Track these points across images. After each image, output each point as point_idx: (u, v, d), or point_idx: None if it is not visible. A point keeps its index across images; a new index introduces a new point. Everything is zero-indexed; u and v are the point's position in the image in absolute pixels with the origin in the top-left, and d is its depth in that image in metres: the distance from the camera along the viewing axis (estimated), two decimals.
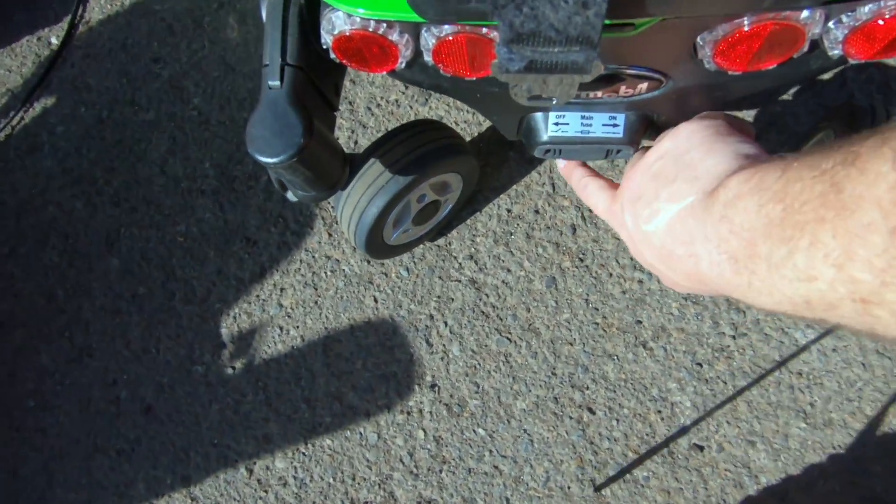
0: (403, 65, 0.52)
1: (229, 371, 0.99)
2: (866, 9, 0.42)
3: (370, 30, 0.48)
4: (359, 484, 0.93)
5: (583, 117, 0.60)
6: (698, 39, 0.45)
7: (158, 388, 0.99)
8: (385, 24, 0.48)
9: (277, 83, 0.52)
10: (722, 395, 0.88)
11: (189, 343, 1.00)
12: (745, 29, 0.43)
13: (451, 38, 0.46)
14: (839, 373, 0.87)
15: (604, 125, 0.60)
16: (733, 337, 0.90)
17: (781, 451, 0.86)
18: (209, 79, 1.08)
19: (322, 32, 0.50)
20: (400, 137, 0.74)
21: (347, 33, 0.48)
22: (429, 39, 0.48)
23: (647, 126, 0.61)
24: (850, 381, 0.87)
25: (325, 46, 0.51)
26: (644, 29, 0.44)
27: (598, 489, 0.87)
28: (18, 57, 1.14)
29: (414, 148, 0.74)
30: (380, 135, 0.77)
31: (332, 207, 1.02)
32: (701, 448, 0.88)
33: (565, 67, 0.38)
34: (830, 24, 0.43)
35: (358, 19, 0.47)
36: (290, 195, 0.70)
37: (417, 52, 0.51)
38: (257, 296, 1.00)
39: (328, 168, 0.59)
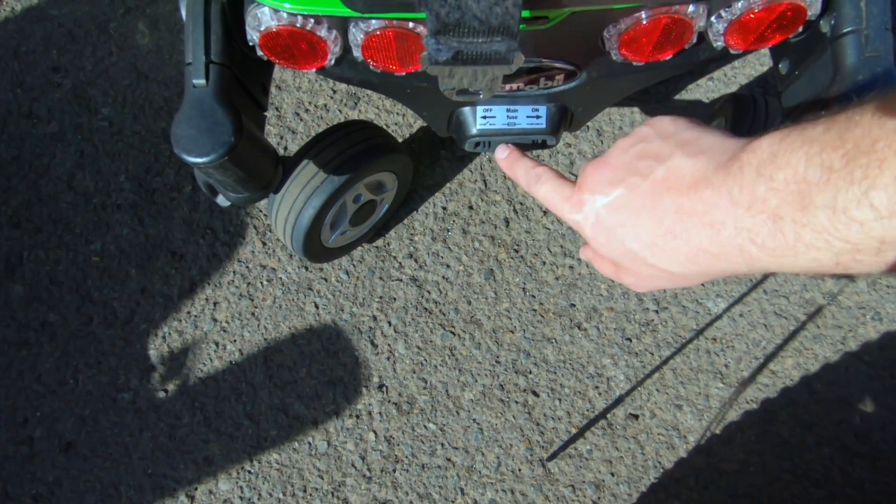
0: (332, 61, 0.53)
1: (161, 395, 0.93)
2: (739, 4, 0.48)
3: (297, 25, 0.48)
4: (310, 495, 0.90)
5: (508, 110, 0.64)
6: (605, 33, 0.50)
7: (79, 422, 0.91)
8: (312, 20, 0.48)
9: (203, 81, 0.51)
10: (651, 366, 0.96)
11: (112, 369, 0.93)
12: (644, 23, 0.48)
13: (378, 32, 0.48)
14: (746, 335, 0.97)
15: (528, 117, 0.64)
16: (656, 311, 0.98)
17: (704, 411, 0.95)
18: (119, 87, 1.02)
19: (248, 29, 0.50)
20: (332, 138, 0.75)
21: (274, 29, 0.48)
22: (357, 35, 0.49)
23: (566, 117, 0.66)
24: (755, 342, 0.97)
25: (251, 43, 0.51)
26: (557, 22, 0.48)
27: (548, 460, 0.91)
28: None
29: (347, 147, 0.74)
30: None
31: (266, 214, 1.00)
32: (636, 417, 0.95)
33: (489, 58, 0.41)
34: (713, 18, 0.50)
35: (285, 15, 0.48)
36: (220, 200, 0.68)
37: (346, 48, 0.52)
38: (188, 312, 0.95)
39: (260, 167, 0.58)
